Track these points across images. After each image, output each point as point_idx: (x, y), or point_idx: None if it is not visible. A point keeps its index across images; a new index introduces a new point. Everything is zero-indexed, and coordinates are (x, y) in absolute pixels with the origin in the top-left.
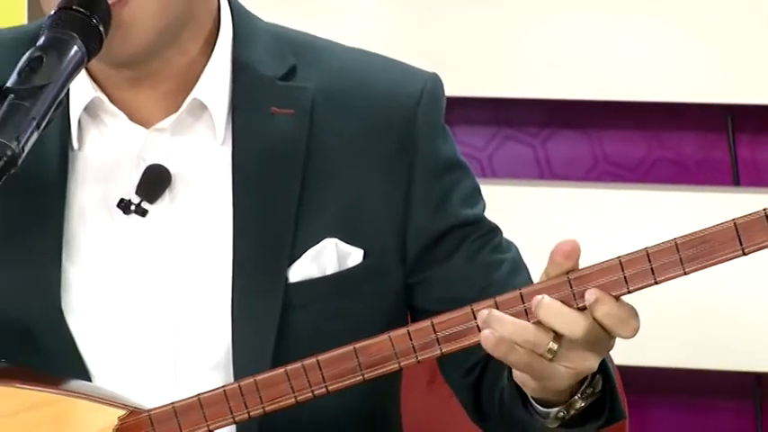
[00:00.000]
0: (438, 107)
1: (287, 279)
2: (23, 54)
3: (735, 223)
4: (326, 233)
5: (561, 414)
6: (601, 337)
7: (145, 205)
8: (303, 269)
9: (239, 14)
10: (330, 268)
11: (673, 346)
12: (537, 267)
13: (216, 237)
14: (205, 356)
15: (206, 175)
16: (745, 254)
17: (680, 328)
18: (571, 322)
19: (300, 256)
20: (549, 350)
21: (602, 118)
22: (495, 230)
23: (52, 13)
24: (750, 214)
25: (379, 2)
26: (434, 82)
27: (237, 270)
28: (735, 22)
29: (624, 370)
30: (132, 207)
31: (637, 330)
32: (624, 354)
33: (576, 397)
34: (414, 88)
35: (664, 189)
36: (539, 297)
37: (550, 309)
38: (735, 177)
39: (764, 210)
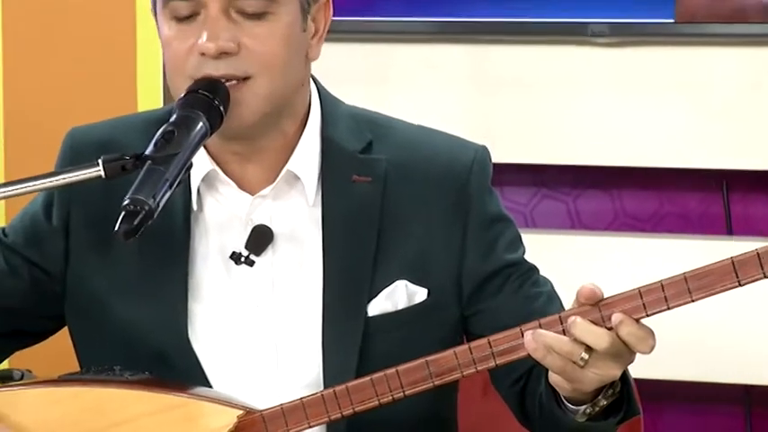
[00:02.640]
0: (486, 173)
1: (366, 313)
2: (151, 132)
3: (732, 260)
4: (398, 276)
5: (588, 411)
6: (623, 352)
7: (252, 257)
8: (379, 305)
9: (325, 99)
10: (401, 304)
11: (679, 362)
12: (569, 299)
13: (309, 281)
14: (301, 376)
15: (301, 231)
16: (740, 285)
17: (684, 349)
18: (598, 337)
19: (377, 294)
20: (582, 359)
21: (621, 180)
22: (533, 269)
23: (182, 95)
24: (745, 253)
25: (439, 86)
26: (483, 153)
27: (327, 307)
28: (729, 103)
29: (639, 381)
30: (242, 259)
31: (653, 347)
32: (639, 368)
33: (600, 396)
34: (467, 158)
35: (671, 237)
36: (573, 317)
37: (582, 326)
38: (728, 228)
39: (756, 250)
